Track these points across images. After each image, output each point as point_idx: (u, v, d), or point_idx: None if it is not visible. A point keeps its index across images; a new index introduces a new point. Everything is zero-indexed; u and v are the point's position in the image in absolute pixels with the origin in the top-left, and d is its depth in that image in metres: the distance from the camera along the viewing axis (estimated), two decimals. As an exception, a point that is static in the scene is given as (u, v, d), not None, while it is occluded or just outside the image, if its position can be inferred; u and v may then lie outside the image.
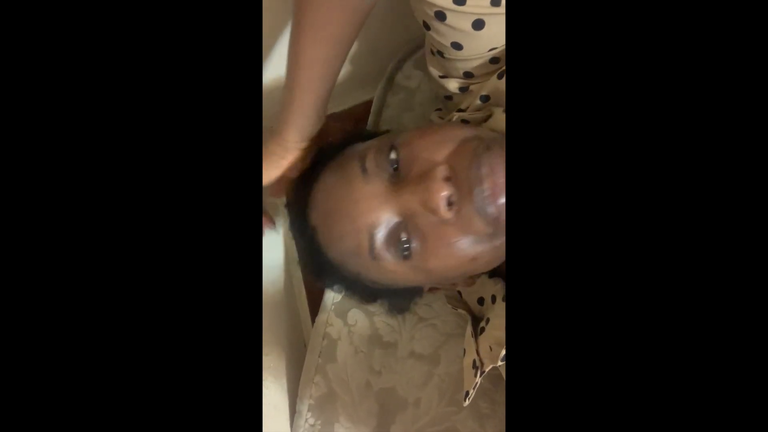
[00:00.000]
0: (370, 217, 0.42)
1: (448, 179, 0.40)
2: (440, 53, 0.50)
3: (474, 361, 0.48)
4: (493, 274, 0.51)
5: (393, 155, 0.42)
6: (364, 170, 0.42)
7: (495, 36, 0.46)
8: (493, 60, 0.48)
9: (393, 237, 0.42)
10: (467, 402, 0.48)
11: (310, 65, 0.46)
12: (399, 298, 0.51)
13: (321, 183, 0.46)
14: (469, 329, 0.51)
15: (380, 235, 0.42)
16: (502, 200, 0.39)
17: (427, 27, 0.48)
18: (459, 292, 0.55)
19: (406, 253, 0.42)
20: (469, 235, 0.40)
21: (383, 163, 0.42)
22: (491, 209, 0.39)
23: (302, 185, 0.49)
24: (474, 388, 0.47)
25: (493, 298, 0.50)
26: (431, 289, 0.52)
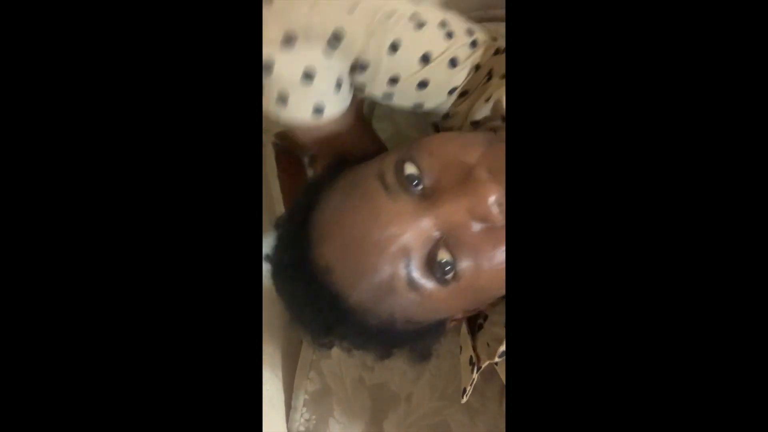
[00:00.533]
0: (405, 238, 0.36)
1: (494, 180, 0.36)
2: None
3: (471, 358, 0.47)
4: None
5: (410, 170, 0.37)
6: (386, 188, 0.37)
7: (442, 81, 0.45)
8: (452, 91, 0.47)
9: (433, 258, 0.36)
10: (465, 399, 0.47)
11: None
12: (421, 342, 0.44)
13: (328, 213, 0.39)
14: (464, 326, 0.51)
15: (418, 258, 0.36)
16: None
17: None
18: None
19: (450, 274, 0.36)
20: None
21: (403, 180, 0.37)
22: None
23: (295, 220, 0.42)
24: (471, 385, 0.47)
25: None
26: (453, 322, 0.47)
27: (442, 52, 0.44)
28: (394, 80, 0.43)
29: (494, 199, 0.35)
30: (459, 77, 0.46)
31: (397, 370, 0.59)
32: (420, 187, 0.37)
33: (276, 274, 0.43)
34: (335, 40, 0.40)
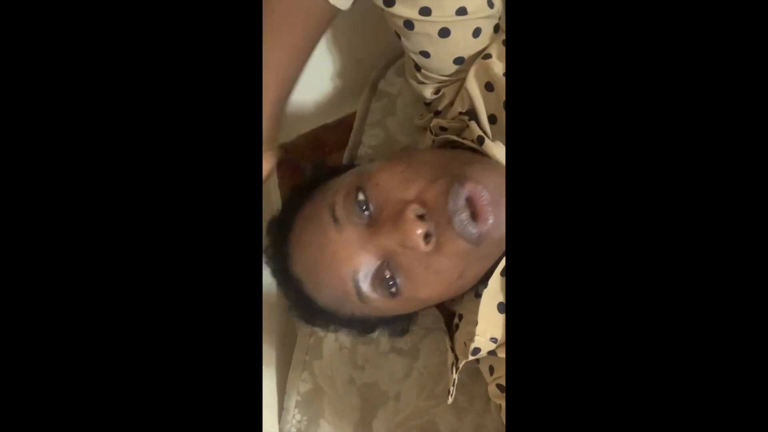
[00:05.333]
0: (351, 264, 0.42)
1: (421, 217, 0.40)
2: (415, 63, 0.53)
3: (452, 363, 0.49)
4: None
5: (361, 197, 0.42)
6: (335, 220, 0.43)
7: (460, 42, 0.49)
8: (458, 60, 0.51)
9: (378, 278, 0.43)
10: (450, 399, 0.48)
11: (267, 69, 0.46)
12: (397, 324, 0.52)
13: (296, 235, 0.47)
14: (443, 327, 0.52)
15: (364, 279, 0.43)
16: (487, 219, 0.39)
17: (399, 36, 0.51)
18: None
19: (393, 290, 0.43)
20: (453, 257, 0.41)
21: (353, 209, 0.42)
22: (473, 230, 0.40)
23: (277, 233, 0.50)
24: (453, 385, 0.48)
25: (463, 296, 0.50)
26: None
27: (477, 14, 0.47)
28: (425, 11, 0.46)
29: (420, 234, 0.40)
30: (473, 48, 0.50)
31: (386, 369, 0.60)
32: (367, 213, 0.43)
33: (273, 272, 0.52)
34: None
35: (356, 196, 0.42)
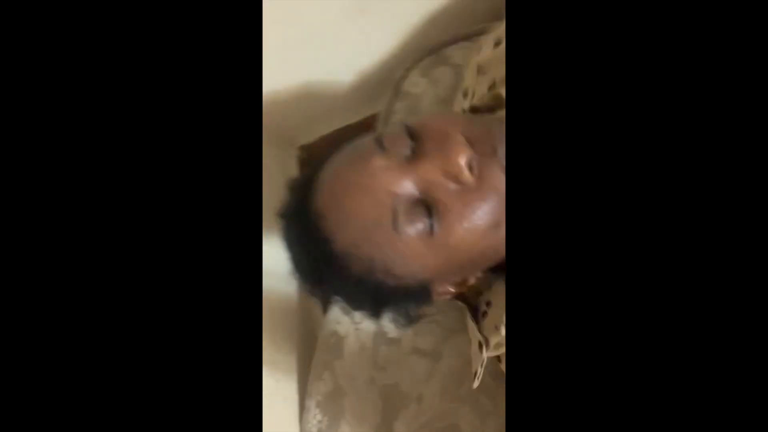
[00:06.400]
0: (392, 187, 0.40)
1: (466, 144, 0.40)
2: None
3: (480, 342, 0.48)
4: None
5: (409, 135, 0.42)
6: (381, 147, 0.42)
7: None
8: None
9: (415, 211, 0.41)
10: (477, 382, 0.48)
11: None
12: (407, 303, 0.48)
13: (329, 167, 0.45)
14: (468, 317, 0.51)
15: (403, 205, 0.40)
16: None
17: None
18: None
19: (427, 226, 0.40)
20: (492, 199, 0.40)
21: (400, 142, 0.42)
22: None
23: (302, 179, 0.47)
24: (482, 366, 0.47)
25: (491, 284, 0.50)
26: (441, 293, 0.49)
27: None
28: None
29: (464, 160, 0.39)
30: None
31: (408, 370, 0.59)
32: (413, 144, 0.42)
33: (281, 219, 0.48)
34: None
35: (405, 134, 0.42)
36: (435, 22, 0.64)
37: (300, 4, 0.52)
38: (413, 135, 0.42)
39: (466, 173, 0.39)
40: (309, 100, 0.70)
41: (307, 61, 0.65)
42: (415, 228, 0.41)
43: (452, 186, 0.40)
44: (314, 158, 0.52)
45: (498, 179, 0.40)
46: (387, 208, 0.40)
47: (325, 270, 0.44)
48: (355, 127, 0.78)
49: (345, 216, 0.42)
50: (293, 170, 0.78)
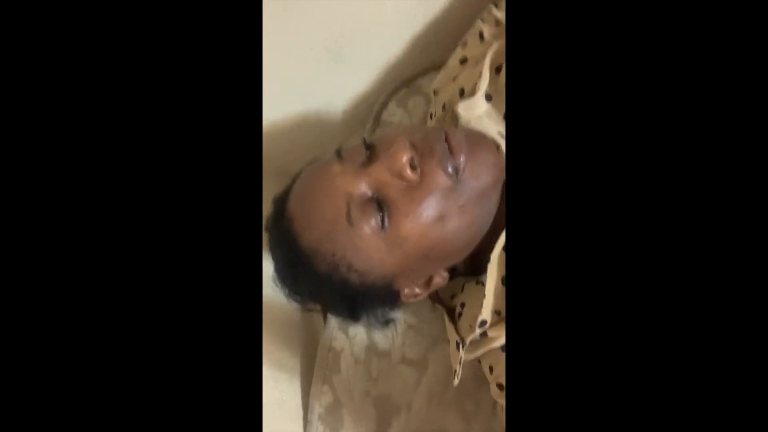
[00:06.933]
0: (348, 188, 0.47)
1: (409, 147, 0.46)
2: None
3: (457, 342, 0.53)
4: (455, 275, 0.56)
5: (366, 147, 0.48)
6: (340, 157, 0.49)
7: None
8: None
9: (368, 207, 0.46)
10: (456, 380, 0.52)
11: None
12: (378, 304, 0.53)
13: (300, 178, 0.52)
14: (446, 319, 0.56)
15: (357, 202, 0.46)
16: (460, 155, 0.45)
17: None
18: (437, 292, 0.60)
19: (381, 221, 0.46)
20: (435, 193, 0.46)
21: (357, 152, 0.48)
22: (452, 162, 0.45)
23: (282, 193, 0.55)
24: (459, 363, 0.51)
25: (463, 287, 0.56)
26: (409, 295, 0.54)
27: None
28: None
29: (407, 158, 0.45)
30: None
31: (398, 380, 0.63)
32: (368, 152, 0.48)
33: (266, 231, 0.55)
34: None
35: (364, 147, 0.48)
36: (407, 56, 0.70)
37: (274, 58, 0.58)
38: (368, 146, 0.48)
39: (408, 171, 0.45)
40: (299, 133, 0.76)
41: (293, 103, 0.71)
42: (367, 223, 0.46)
43: (399, 184, 0.46)
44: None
45: (439, 176, 0.45)
46: (343, 207, 0.47)
47: (297, 270, 0.51)
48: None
49: (308, 216, 0.49)
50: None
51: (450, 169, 0.45)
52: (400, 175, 0.45)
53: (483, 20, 0.60)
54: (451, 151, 0.46)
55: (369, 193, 0.47)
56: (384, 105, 0.73)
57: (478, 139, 0.48)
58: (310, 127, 0.75)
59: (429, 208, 0.46)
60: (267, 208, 0.56)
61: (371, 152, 0.48)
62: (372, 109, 0.74)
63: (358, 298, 0.52)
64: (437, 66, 0.68)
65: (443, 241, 0.48)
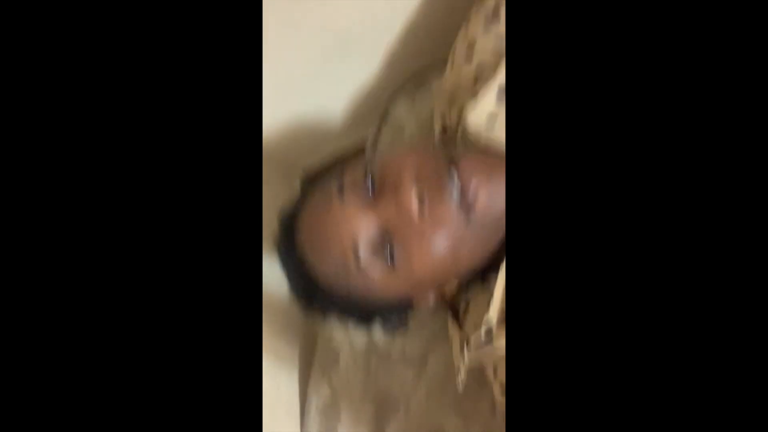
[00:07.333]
0: (351, 231, 0.45)
1: (415, 181, 0.44)
2: None
3: (461, 341, 0.52)
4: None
5: (368, 178, 0.46)
6: (340, 190, 0.47)
7: None
8: None
9: (376, 247, 0.45)
10: (460, 378, 0.51)
11: None
12: (392, 315, 0.54)
13: (304, 212, 0.51)
14: (450, 319, 0.55)
15: (363, 246, 0.45)
16: (474, 190, 0.43)
17: None
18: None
19: (390, 260, 0.45)
20: (445, 227, 0.44)
21: (358, 182, 0.46)
22: (463, 197, 0.44)
23: (290, 211, 0.53)
24: (464, 363, 0.51)
25: (467, 286, 0.54)
26: (421, 303, 0.54)
27: None
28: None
29: (414, 194, 0.44)
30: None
31: (397, 377, 0.63)
32: (371, 187, 0.47)
33: (277, 247, 0.54)
34: None
35: (363, 173, 0.47)
36: (415, 48, 0.68)
37: (278, 51, 0.57)
38: (372, 179, 0.46)
39: (415, 208, 0.44)
40: (307, 129, 0.76)
41: (300, 97, 0.70)
42: (376, 265, 0.46)
43: (407, 220, 0.44)
44: (309, 180, 0.59)
45: (447, 211, 0.44)
46: (350, 251, 0.46)
47: (315, 291, 0.51)
48: (349, 149, 0.82)
49: (319, 256, 0.48)
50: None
51: (462, 204, 0.44)
52: (407, 212, 0.44)
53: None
54: (462, 185, 0.44)
55: (376, 232, 0.45)
56: (393, 96, 0.71)
57: (491, 162, 0.46)
58: (317, 119, 0.74)
59: (440, 243, 0.45)
60: (267, 208, 0.55)
61: (375, 187, 0.46)
62: (378, 103, 0.73)
63: (373, 312, 0.53)
64: (444, 59, 0.67)
65: (458, 264, 0.47)
